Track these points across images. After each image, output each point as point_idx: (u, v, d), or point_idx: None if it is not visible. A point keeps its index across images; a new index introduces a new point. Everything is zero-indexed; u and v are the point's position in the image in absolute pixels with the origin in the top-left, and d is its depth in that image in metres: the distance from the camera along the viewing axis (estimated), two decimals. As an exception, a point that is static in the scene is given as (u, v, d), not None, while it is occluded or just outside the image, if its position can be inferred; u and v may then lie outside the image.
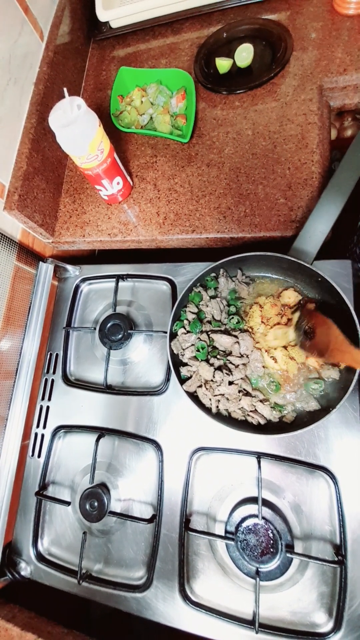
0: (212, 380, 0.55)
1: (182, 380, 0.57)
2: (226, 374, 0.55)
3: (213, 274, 0.62)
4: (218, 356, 0.57)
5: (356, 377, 0.48)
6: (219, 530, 0.54)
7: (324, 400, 0.53)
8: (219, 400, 0.55)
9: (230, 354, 0.57)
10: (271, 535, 0.50)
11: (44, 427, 0.67)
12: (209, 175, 0.67)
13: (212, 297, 0.60)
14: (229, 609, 0.51)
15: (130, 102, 0.76)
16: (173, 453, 0.59)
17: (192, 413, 0.59)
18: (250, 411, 0.54)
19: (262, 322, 0.58)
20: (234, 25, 0.75)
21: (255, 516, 0.51)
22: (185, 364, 0.58)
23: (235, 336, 0.57)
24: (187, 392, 0.55)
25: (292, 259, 0.53)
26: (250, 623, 0.49)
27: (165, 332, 0.59)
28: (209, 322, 0.59)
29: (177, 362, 0.59)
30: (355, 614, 0.47)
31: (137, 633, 0.57)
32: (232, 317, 0.58)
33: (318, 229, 0.53)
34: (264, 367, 0.56)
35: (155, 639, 0.55)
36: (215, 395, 0.55)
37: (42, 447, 0.66)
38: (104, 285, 0.74)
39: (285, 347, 0.56)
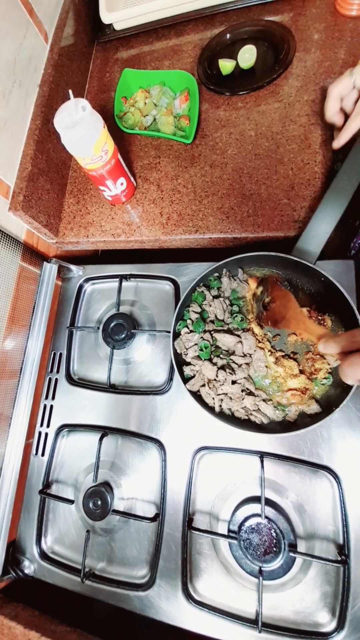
0: (215, 380, 0.55)
1: (186, 380, 0.57)
2: (229, 373, 0.55)
3: (216, 274, 0.62)
4: (221, 355, 0.57)
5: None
6: (222, 529, 0.54)
7: (325, 403, 0.53)
8: (222, 400, 0.55)
9: (233, 353, 0.57)
10: (274, 534, 0.50)
11: (48, 426, 0.68)
12: (212, 176, 0.68)
13: (215, 297, 0.61)
14: (232, 608, 0.51)
15: (133, 104, 0.76)
16: (176, 452, 0.59)
17: (195, 412, 0.59)
18: (253, 410, 0.54)
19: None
20: (237, 27, 0.76)
21: (258, 515, 0.51)
22: (189, 364, 0.58)
23: (238, 335, 0.57)
24: (191, 391, 0.56)
25: (296, 258, 0.53)
26: (253, 622, 0.49)
27: (169, 332, 0.60)
28: (212, 321, 0.59)
29: (180, 362, 0.59)
30: (359, 613, 0.46)
31: (140, 632, 0.57)
32: (236, 316, 0.58)
33: (321, 229, 0.53)
34: (266, 366, 0.56)
35: (157, 637, 0.55)
36: (219, 395, 0.55)
37: (45, 446, 0.66)
38: (108, 285, 0.74)
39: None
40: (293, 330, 0.55)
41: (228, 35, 0.76)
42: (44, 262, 0.71)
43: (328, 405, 0.51)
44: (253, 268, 0.62)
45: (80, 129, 0.53)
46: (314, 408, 0.53)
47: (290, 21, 0.73)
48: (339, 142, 0.54)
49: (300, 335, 0.56)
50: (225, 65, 0.73)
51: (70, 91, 0.53)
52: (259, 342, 0.57)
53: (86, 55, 0.86)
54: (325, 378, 0.54)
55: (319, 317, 0.55)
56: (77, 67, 0.82)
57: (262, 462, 0.53)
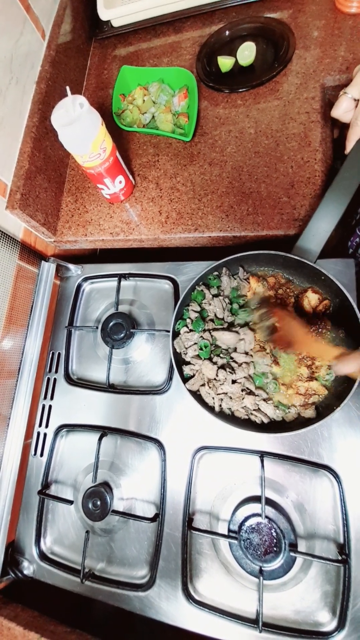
0: (215, 379, 0.55)
1: (185, 379, 0.57)
2: (229, 372, 0.55)
3: (215, 273, 0.62)
4: (221, 355, 0.57)
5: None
6: (222, 529, 0.54)
7: (321, 407, 0.53)
8: (222, 399, 0.55)
9: (234, 350, 0.57)
10: (274, 534, 0.50)
11: (47, 426, 0.67)
12: (211, 174, 0.67)
13: (214, 296, 0.60)
14: (232, 608, 0.51)
15: (132, 101, 0.76)
16: (176, 452, 0.59)
17: (194, 412, 0.59)
18: (254, 410, 0.54)
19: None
20: (236, 24, 0.75)
21: (259, 515, 0.51)
22: (188, 363, 0.58)
23: (237, 332, 0.57)
24: (190, 391, 0.55)
25: (296, 257, 0.53)
26: (253, 622, 0.49)
27: (168, 331, 0.59)
28: (212, 320, 0.59)
29: (179, 361, 0.59)
30: (359, 613, 0.46)
31: (140, 632, 0.57)
32: (244, 310, 0.58)
33: (321, 227, 0.53)
34: (267, 365, 0.56)
35: (158, 638, 0.55)
36: (219, 394, 0.55)
37: (44, 446, 0.66)
38: (106, 284, 0.74)
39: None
40: (305, 352, 0.54)
41: (227, 32, 0.76)
42: (42, 261, 0.70)
43: (326, 411, 0.51)
44: (254, 267, 0.62)
45: (78, 126, 0.52)
46: (309, 413, 0.52)
47: (290, 18, 0.72)
48: (349, 144, 0.53)
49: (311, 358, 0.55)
50: (225, 63, 0.72)
51: (68, 88, 0.53)
52: (261, 347, 0.57)
53: (84, 52, 0.86)
54: (327, 374, 0.54)
55: (320, 327, 0.55)
56: (74, 64, 0.81)
57: (262, 461, 0.53)
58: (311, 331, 0.52)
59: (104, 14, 0.79)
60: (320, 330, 0.55)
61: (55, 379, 0.69)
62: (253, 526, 0.51)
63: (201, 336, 0.58)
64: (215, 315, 0.59)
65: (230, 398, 0.55)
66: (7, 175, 0.63)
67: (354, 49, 0.66)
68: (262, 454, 0.54)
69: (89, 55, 0.88)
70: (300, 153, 0.63)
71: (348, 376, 0.49)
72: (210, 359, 0.57)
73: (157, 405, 0.62)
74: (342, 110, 0.51)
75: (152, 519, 0.55)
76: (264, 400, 0.54)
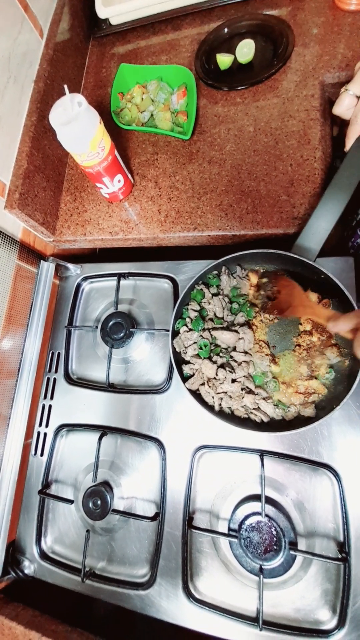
0: (214, 378, 0.55)
1: (185, 378, 0.57)
2: (229, 371, 0.55)
3: (215, 272, 0.62)
4: (221, 354, 0.57)
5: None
6: (222, 527, 0.54)
7: (321, 406, 0.53)
8: (221, 398, 0.55)
9: (234, 349, 0.57)
10: (274, 532, 0.50)
11: (47, 425, 0.67)
12: (210, 173, 0.67)
13: (214, 295, 0.60)
14: (233, 606, 0.51)
15: (130, 99, 0.75)
16: (176, 451, 0.59)
17: (194, 411, 0.59)
18: (253, 409, 0.54)
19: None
20: (235, 21, 0.75)
21: (259, 514, 0.51)
22: (188, 362, 0.58)
23: (237, 331, 0.57)
24: (190, 390, 0.55)
25: (295, 256, 0.53)
26: (254, 620, 0.49)
27: (167, 330, 0.59)
28: (211, 319, 0.59)
29: (179, 360, 0.59)
30: (359, 611, 0.46)
31: (141, 630, 0.57)
32: (241, 310, 0.58)
33: (321, 226, 0.52)
34: (267, 365, 0.56)
35: (158, 636, 0.55)
36: (218, 393, 0.55)
37: (44, 446, 0.66)
38: (106, 283, 0.74)
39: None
40: (300, 316, 0.55)
41: (226, 30, 0.75)
42: (41, 261, 0.70)
43: (325, 410, 0.51)
44: (253, 266, 0.61)
45: (76, 125, 0.52)
46: (308, 411, 0.52)
47: (289, 15, 0.72)
48: (349, 142, 0.53)
49: (307, 322, 0.57)
50: (223, 60, 0.72)
51: (65, 86, 0.52)
52: (260, 346, 0.57)
53: (82, 50, 0.85)
54: (327, 373, 0.54)
55: (323, 302, 0.56)
56: (72, 62, 0.81)
57: (262, 460, 0.53)
58: (315, 297, 0.55)
59: (102, 11, 0.78)
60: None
61: (55, 379, 0.69)
62: (253, 525, 0.51)
63: (201, 335, 0.58)
64: (215, 314, 0.59)
65: (230, 397, 0.55)
66: (5, 174, 0.62)
67: (353, 46, 0.66)
68: (262, 453, 0.54)
69: (87, 53, 0.87)
70: (299, 151, 0.63)
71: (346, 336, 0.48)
72: (209, 358, 0.57)
73: (157, 404, 0.62)
74: (344, 107, 0.51)
75: (153, 518, 0.55)
76: (264, 399, 0.54)
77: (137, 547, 0.57)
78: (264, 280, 0.57)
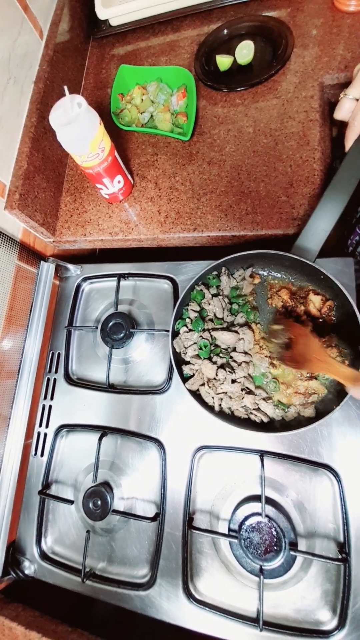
0: (214, 379, 0.55)
1: (185, 379, 0.57)
2: (229, 372, 0.55)
3: (215, 272, 0.62)
4: (220, 354, 0.57)
5: None
6: (223, 528, 0.54)
7: (321, 406, 0.53)
8: (221, 399, 0.55)
9: (234, 350, 0.57)
10: (274, 533, 0.50)
11: (47, 426, 0.67)
12: (210, 173, 0.67)
13: (214, 295, 0.60)
14: (233, 607, 0.51)
15: (130, 100, 0.76)
16: (176, 451, 0.59)
17: (194, 411, 0.59)
18: (253, 409, 0.54)
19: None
20: (234, 23, 0.75)
21: (259, 514, 0.51)
22: (188, 363, 0.58)
23: (237, 332, 0.57)
24: (190, 391, 0.55)
25: (295, 256, 0.53)
26: (254, 621, 0.49)
27: (167, 331, 0.59)
28: (211, 320, 0.59)
29: (179, 361, 0.59)
30: (359, 611, 0.47)
31: (141, 631, 0.57)
32: (241, 311, 0.58)
33: (321, 226, 0.53)
34: (265, 367, 0.56)
35: (159, 637, 0.55)
36: (218, 394, 0.55)
37: (44, 446, 0.66)
38: (106, 284, 0.74)
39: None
40: (317, 372, 0.52)
41: (225, 31, 0.76)
42: (41, 262, 0.70)
43: (325, 410, 0.51)
44: (255, 268, 0.61)
45: (76, 126, 0.52)
46: (308, 412, 0.52)
47: (288, 17, 0.72)
48: (348, 143, 0.53)
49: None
50: (223, 61, 0.72)
51: (65, 87, 0.52)
52: (260, 347, 0.57)
53: (82, 51, 0.85)
54: None
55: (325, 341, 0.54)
56: (72, 63, 0.81)
57: (262, 460, 0.53)
58: (326, 349, 0.50)
59: (102, 13, 0.78)
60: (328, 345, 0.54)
61: (55, 379, 0.69)
62: (253, 525, 0.51)
63: (201, 336, 0.58)
64: (215, 314, 0.59)
65: (230, 397, 0.55)
66: (5, 175, 0.63)
67: (352, 47, 0.66)
68: (262, 453, 0.54)
69: (87, 54, 0.88)
70: (299, 152, 0.63)
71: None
72: (209, 359, 0.57)
73: (157, 405, 0.62)
74: (345, 111, 0.51)
75: (153, 519, 0.55)
76: (264, 399, 0.54)
77: (137, 547, 0.57)
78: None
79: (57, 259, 0.72)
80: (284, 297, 0.58)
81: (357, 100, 0.50)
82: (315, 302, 0.56)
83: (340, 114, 0.52)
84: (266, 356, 0.57)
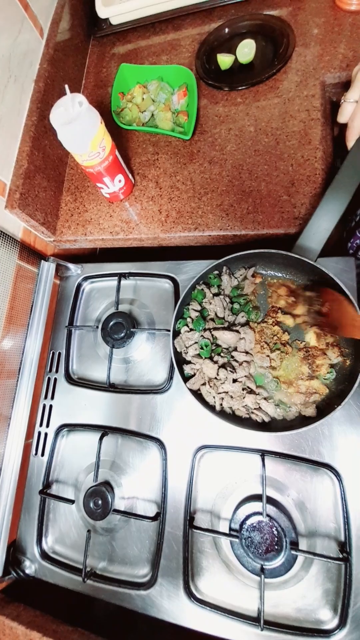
0: (216, 378, 0.55)
1: (186, 378, 0.57)
2: (230, 371, 0.55)
3: (216, 272, 0.62)
4: (222, 354, 0.57)
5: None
6: (223, 527, 0.54)
7: (322, 405, 0.53)
8: (222, 398, 0.55)
9: (235, 349, 0.57)
10: (275, 532, 0.50)
11: (47, 425, 0.67)
12: (211, 173, 0.67)
13: (215, 295, 0.60)
14: (234, 606, 0.51)
15: (131, 99, 0.75)
16: (177, 451, 0.59)
17: (195, 411, 0.59)
18: (255, 409, 0.54)
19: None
20: (236, 21, 0.75)
21: (260, 514, 0.51)
22: (189, 362, 0.58)
23: (238, 331, 0.57)
24: (191, 390, 0.55)
25: (296, 256, 0.53)
26: (255, 620, 0.49)
27: (168, 330, 0.59)
28: (212, 319, 0.59)
29: (180, 360, 0.59)
30: (360, 610, 0.47)
31: (142, 631, 0.57)
32: (250, 310, 0.59)
33: (322, 226, 0.52)
34: (267, 367, 0.56)
35: (159, 636, 0.55)
36: (219, 393, 0.55)
37: (45, 446, 0.66)
38: (106, 283, 0.74)
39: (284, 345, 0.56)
40: (352, 336, 0.50)
41: (226, 30, 0.75)
42: (42, 261, 0.70)
43: (326, 410, 0.51)
44: (256, 267, 0.61)
45: (77, 125, 0.52)
46: (309, 411, 0.52)
47: (290, 15, 0.72)
48: (349, 144, 0.54)
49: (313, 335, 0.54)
50: (224, 60, 0.72)
51: (66, 86, 0.52)
52: (261, 347, 0.57)
53: (82, 50, 0.85)
54: (328, 373, 0.54)
55: None
56: (73, 62, 0.80)
57: (263, 460, 0.53)
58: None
59: (102, 11, 0.78)
60: None
61: (55, 379, 0.69)
62: (254, 525, 0.51)
63: (202, 335, 0.58)
64: (216, 314, 0.59)
65: (231, 397, 0.55)
66: (6, 174, 0.62)
67: (354, 46, 0.66)
68: (263, 453, 0.54)
69: (88, 53, 0.87)
70: (300, 151, 0.63)
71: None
72: (210, 358, 0.57)
73: (157, 404, 0.62)
74: (347, 115, 0.53)
75: (154, 518, 0.55)
76: (265, 399, 0.54)
77: (138, 547, 0.57)
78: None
79: (57, 258, 0.72)
80: (283, 294, 0.58)
81: (357, 102, 0.51)
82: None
83: (342, 117, 0.53)
84: (267, 355, 0.56)
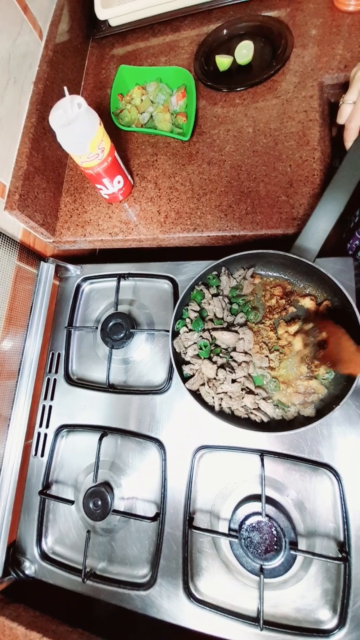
0: (214, 379, 0.55)
1: (185, 379, 0.57)
2: (229, 372, 0.55)
3: (215, 272, 0.62)
4: (221, 354, 0.57)
5: None
6: (223, 528, 0.54)
7: (321, 405, 0.53)
8: (221, 399, 0.55)
9: (233, 350, 0.57)
10: (275, 532, 0.50)
11: (47, 426, 0.67)
12: (209, 173, 0.67)
13: (214, 295, 0.60)
14: (233, 606, 0.51)
15: (130, 101, 0.76)
16: (176, 451, 0.59)
17: (194, 411, 0.59)
18: (253, 409, 0.54)
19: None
20: (234, 23, 0.75)
21: (259, 514, 0.51)
22: (188, 362, 0.58)
23: (237, 332, 0.57)
24: (190, 391, 0.55)
25: (295, 256, 0.53)
26: (254, 620, 0.49)
27: (167, 331, 0.59)
28: (211, 320, 0.59)
29: (179, 361, 0.59)
30: (360, 610, 0.47)
31: (142, 631, 0.57)
32: (249, 310, 0.59)
33: (320, 226, 0.53)
34: (266, 367, 0.56)
35: (159, 636, 0.55)
36: (218, 394, 0.55)
37: (45, 447, 0.66)
38: (106, 284, 0.74)
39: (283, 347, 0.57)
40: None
41: (225, 31, 0.76)
42: (41, 262, 0.70)
43: (325, 410, 0.51)
44: (254, 267, 0.61)
45: (76, 127, 0.52)
46: (308, 411, 0.53)
47: (288, 16, 0.72)
48: (347, 144, 0.54)
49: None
50: (222, 62, 0.72)
51: (65, 88, 0.52)
52: (260, 347, 0.57)
53: (81, 51, 0.85)
54: (327, 373, 0.54)
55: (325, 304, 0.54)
56: (72, 64, 0.81)
57: (262, 460, 0.53)
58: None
59: (101, 13, 0.78)
60: None
61: (55, 380, 0.69)
62: (253, 525, 0.52)
63: (201, 336, 0.58)
64: (215, 314, 0.59)
65: (230, 397, 0.55)
66: (5, 176, 0.63)
67: (352, 47, 0.66)
68: (262, 453, 0.54)
69: (87, 55, 0.88)
70: (298, 152, 0.63)
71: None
72: (209, 359, 0.57)
73: (157, 404, 0.62)
74: (346, 116, 0.53)
75: (153, 518, 0.55)
76: (264, 399, 0.54)
77: (137, 547, 0.57)
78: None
79: (57, 259, 0.72)
80: (277, 294, 0.58)
81: (355, 103, 0.51)
82: (306, 304, 0.56)
83: (341, 119, 0.54)
84: (266, 355, 0.57)
